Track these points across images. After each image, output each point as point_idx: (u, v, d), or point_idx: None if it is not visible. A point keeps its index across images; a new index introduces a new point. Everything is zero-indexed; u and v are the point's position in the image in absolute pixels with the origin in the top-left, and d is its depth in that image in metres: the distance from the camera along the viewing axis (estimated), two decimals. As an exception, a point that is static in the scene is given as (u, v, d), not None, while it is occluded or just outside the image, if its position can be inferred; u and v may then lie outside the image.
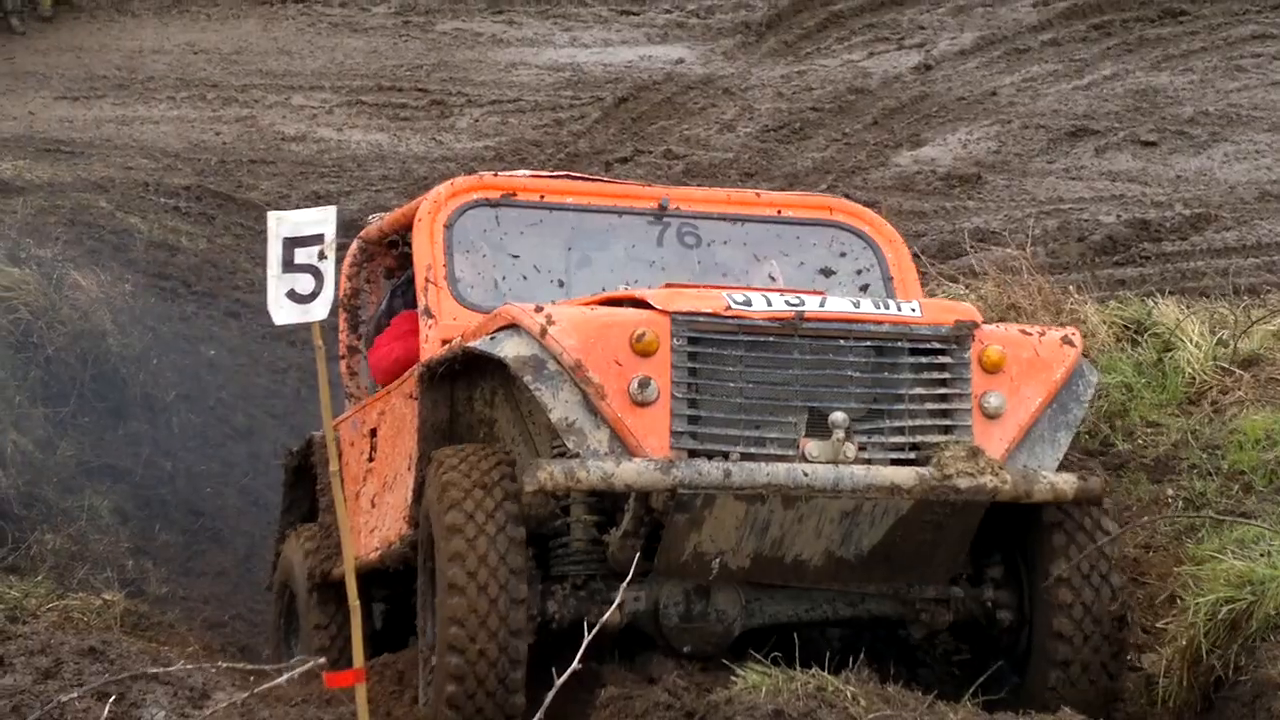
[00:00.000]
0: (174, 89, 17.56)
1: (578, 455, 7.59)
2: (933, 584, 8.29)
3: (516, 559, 7.62)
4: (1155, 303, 11.45)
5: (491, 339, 7.85)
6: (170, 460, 12.95)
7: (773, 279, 9.27)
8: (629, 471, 7.52)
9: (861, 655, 7.78)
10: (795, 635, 8.10)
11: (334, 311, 8.66)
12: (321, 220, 5.21)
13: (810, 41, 17.98)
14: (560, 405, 7.72)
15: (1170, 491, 9.83)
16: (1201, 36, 17.44)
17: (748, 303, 7.90)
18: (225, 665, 8.81)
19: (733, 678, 7.65)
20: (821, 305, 7.94)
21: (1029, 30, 17.81)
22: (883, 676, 7.74)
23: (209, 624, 11.57)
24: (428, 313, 8.89)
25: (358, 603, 5.77)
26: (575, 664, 5.25)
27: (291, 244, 5.18)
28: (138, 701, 7.50)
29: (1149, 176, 15.26)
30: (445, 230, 8.98)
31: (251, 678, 6.32)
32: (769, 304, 7.90)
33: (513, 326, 7.79)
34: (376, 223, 10.09)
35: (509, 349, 7.67)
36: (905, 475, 7.71)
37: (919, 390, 7.99)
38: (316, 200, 4.87)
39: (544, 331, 7.67)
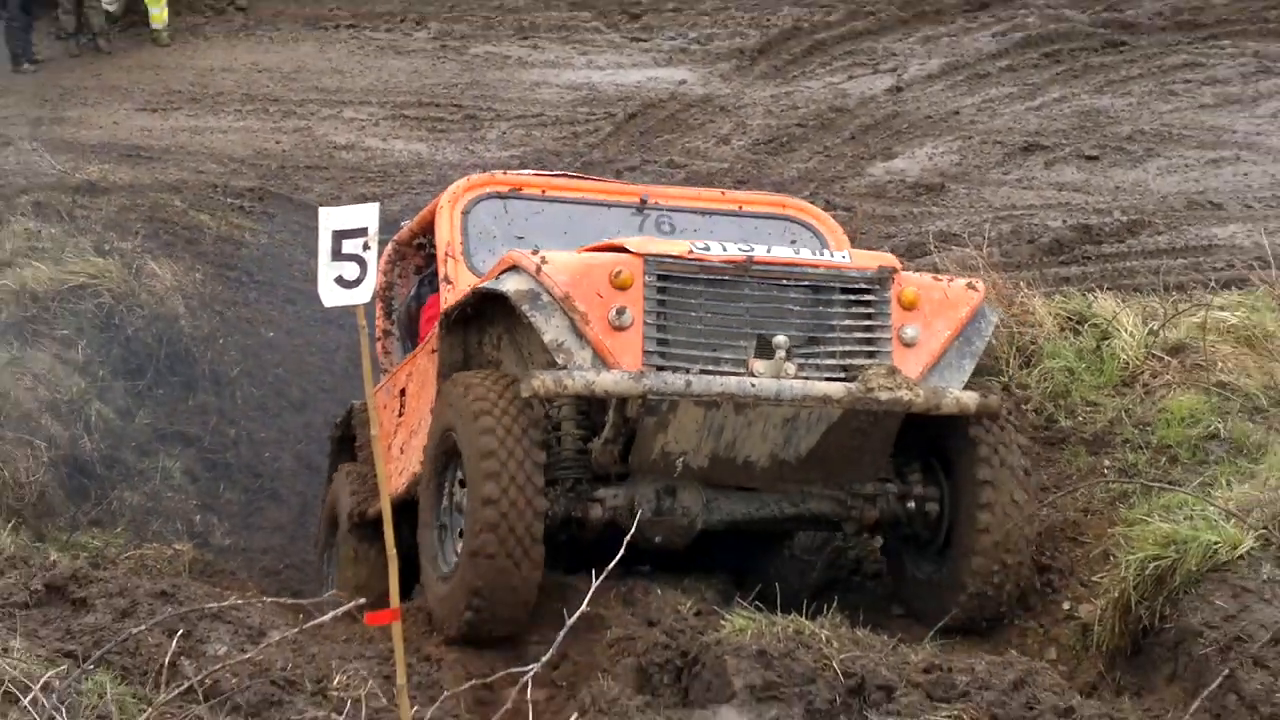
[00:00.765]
0: (240, 103, 17.57)
1: (565, 368, 8.09)
2: (862, 485, 8.81)
3: (536, 451, 8.16)
4: (1095, 297, 11.44)
5: (497, 280, 8.36)
6: (234, 428, 12.98)
7: None
8: (607, 380, 8.03)
9: (834, 604, 8.10)
10: (778, 587, 8.47)
11: (372, 300, 8.83)
12: (365, 215, 5.22)
13: (796, 66, 17.95)
14: (552, 329, 8.17)
15: (1106, 462, 9.84)
16: (1139, 64, 17.41)
17: (707, 249, 8.38)
18: (276, 601, 8.86)
19: (722, 622, 7.69)
20: (768, 251, 8.52)
21: (988, 58, 17.77)
22: (853, 623, 7.86)
23: (266, 571, 11.61)
24: (447, 280, 9.42)
25: (394, 551, 5.77)
26: (617, 558, 5.38)
27: (339, 236, 5.20)
28: (203, 637, 7.54)
29: (1091, 187, 15.24)
30: (462, 216, 9.47)
31: (300, 616, 6.35)
32: (725, 250, 8.40)
33: (514, 268, 8.30)
34: (407, 226, 10.53)
35: (510, 284, 8.17)
36: (835, 389, 8.21)
37: (848, 322, 8.52)
38: (363, 201, 4.85)
39: (539, 269, 8.18)
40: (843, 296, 8.56)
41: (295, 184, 15.67)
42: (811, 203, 14.88)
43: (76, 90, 17.85)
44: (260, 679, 7.02)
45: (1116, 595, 7.99)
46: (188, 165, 16.06)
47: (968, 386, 8.62)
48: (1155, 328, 10.81)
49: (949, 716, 6.77)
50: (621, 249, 8.41)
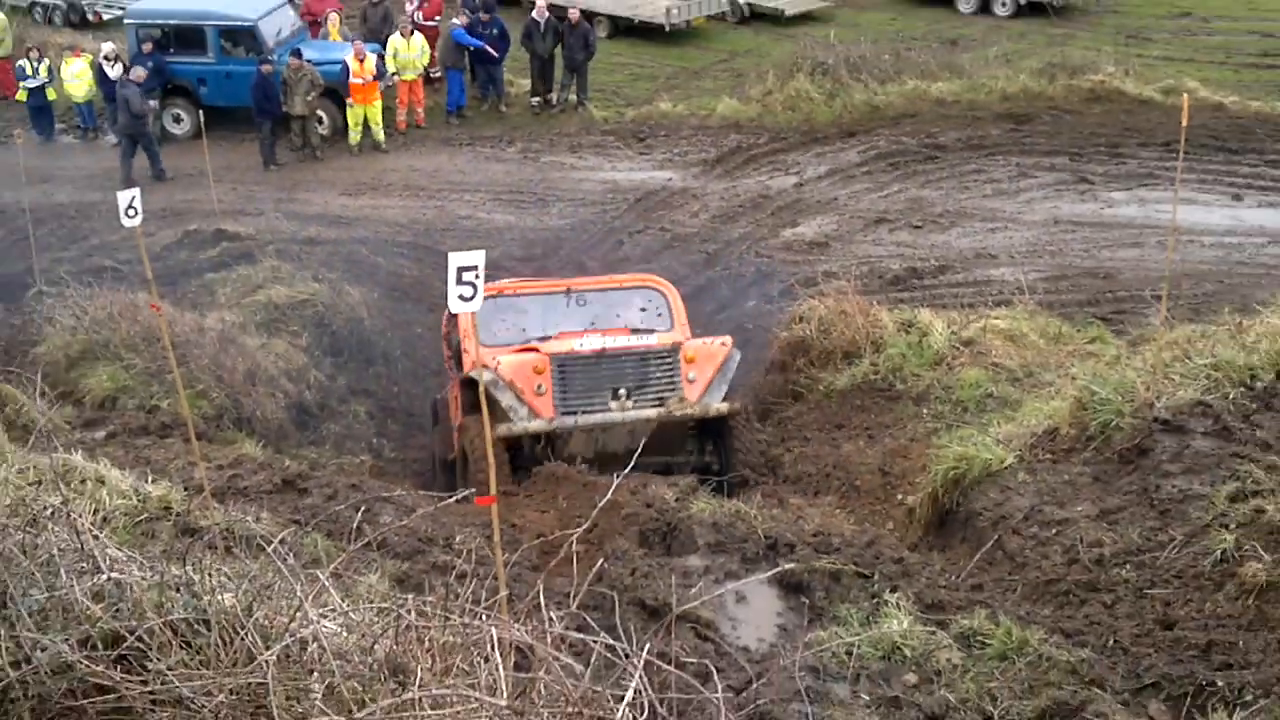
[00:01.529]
0: (401, 190, 17.59)
1: (512, 420, 9.37)
2: (680, 456, 9.96)
3: (502, 454, 9.27)
4: (918, 311, 11.48)
5: (476, 371, 9.29)
6: (396, 386, 13.05)
7: (618, 316, 10.53)
8: (536, 425, 9.39)
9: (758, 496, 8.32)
10: (725, 486, 9.35)
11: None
12: (476, 258, 5.20)
13: (739, 170, 17.94)
14: (505, 398, 9.41)
15: (925, 411, 9.89)
16: (946, 170, 17.40)
17: (582, 345, 9.65)
18: (421, 492, 8.88)
19: (691, 504, 7.70)
20: (614, 342, 9.75)
21: (854, 165, 17.75)
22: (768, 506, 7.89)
23: (416, 474, 11.63)
24: (465, 350, 10.22)
25: (493, 458, 5.76)
26: (628, 469, 5.59)
27: (461, 270, 5.16)
28: (377, 512, 7.57)
29: (917, 244, 15.25)
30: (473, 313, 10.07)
31: (438, 500, 6.37)
32: (591, 345, 9.65)
33: (485, 366, 9.35)
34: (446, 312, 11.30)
35: (484, 376, 8.75)
36: (652, 412, 9.55)
37: (657, 375, 9.70)
38: (475, 250, 4.85)
39: (496, 367, 9.43)
40: (654, 361, 9.71)
41: (434, 239, 15.67)
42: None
43: (302, 182, 17.88)
44: (410, 538, 7.06)
45: (930, 491, 8.02)
46: (369, 228, 16.07)
47: (725, 398, 9.80)
48: (955, 330, 10.85)
49: (829, 562, 6.79)
50: (537, 350, 9.62)
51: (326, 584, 3.63)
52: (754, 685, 5.32)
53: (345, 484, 8.53)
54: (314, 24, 20.87)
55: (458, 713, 3.08)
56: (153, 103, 18.46)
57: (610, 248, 15.55)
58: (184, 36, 19.05)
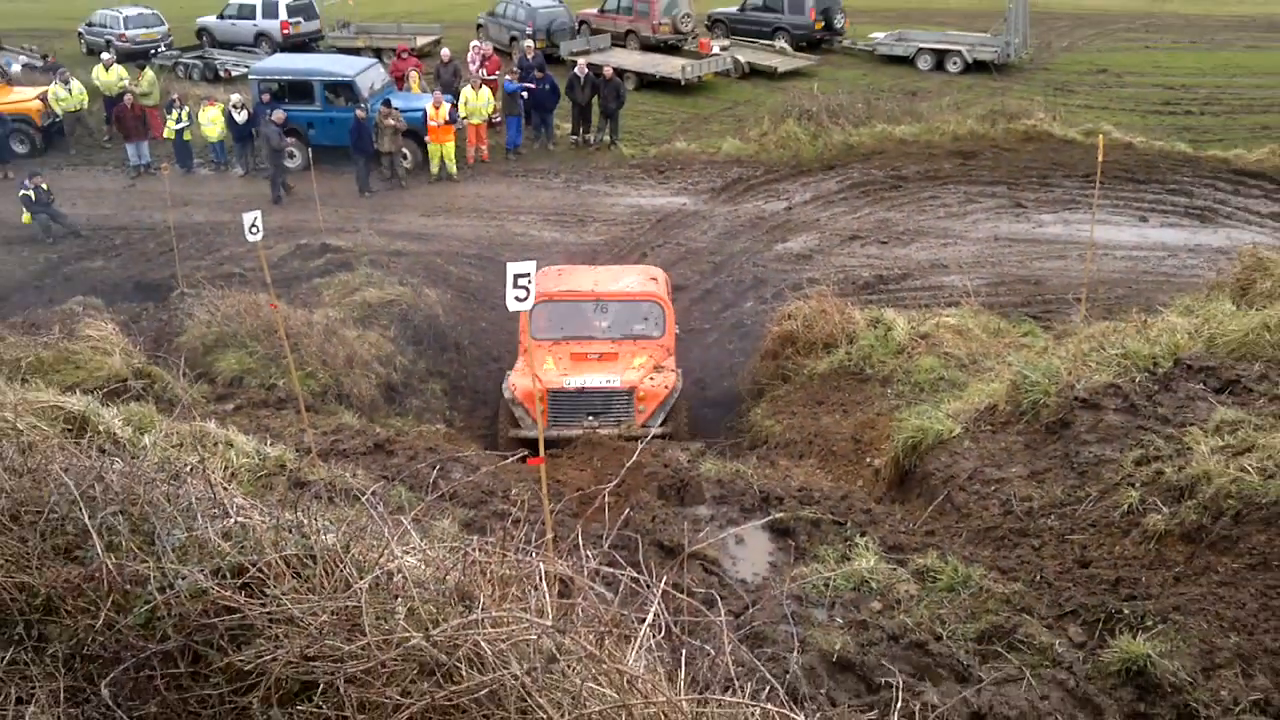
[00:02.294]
0: (470, 213, 17.58)
1: (521, 427, 9.94)
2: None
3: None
4: (884, 310, 11.39)
5: (502, 389, 10.40)
6: (466, 370, 13.01)
7: (627, 323, 10.88)
8: (534, 433, 8.66)
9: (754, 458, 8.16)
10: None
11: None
12: (529, 266, 5.19)
13: (741, 197, 17.88)
14: (518, 411, 10.08)
15: (889, 391, 9.80)
16: (908, 196, 17.31)
17: (569, 381, 10.15)
18: (487, 451, 8.88)
19: (700, 465, 7.68)
20: (589, 382, 10.15)
21: (834, 193, 17.68)
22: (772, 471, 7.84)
23: (481, 440, 11.63)
24: (520, 343, 10.67)
25: (541, 423, 5.76)
26: (647, 440, 5.54)
27: (516, 276, 5.16)
28: (448, 469, 7.58)
29: (884, 257, 15.16)
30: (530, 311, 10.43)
31: (500, 460, 6.39)
32: (574, 382, 10.13)
33: (509, 383, 10.26)
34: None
35: (505, 393, 10.33)
36: (611, 429, 9.85)
37: (618, 406, 10.17)
38: (527, 260, 4.88)
39: (513, 389, 10.18)
40: (617, 397, 10.16)
41: (496, 251, 15.65)
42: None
43: (390, 206, 17.90)
44: (476, 490, 7.07)
45: (892, 455, 7.96)
46: (444, 243, 16.04)
47: (662, 424, 10.08)
48: (914, 325, 10.77)
49: (811, 512, 6.76)
50: (539, 379, 10.04)
51: (409, 527, 3.64)
52: (750, 610, 5.32)
53: (424, 447, 8.53)
54: (399, 79, 21.31)
55: (512, 630, 3.10)
56: (288, 139, 18.64)
57: (636, 259, 15.53)
58: (296, 89, 19.31)
